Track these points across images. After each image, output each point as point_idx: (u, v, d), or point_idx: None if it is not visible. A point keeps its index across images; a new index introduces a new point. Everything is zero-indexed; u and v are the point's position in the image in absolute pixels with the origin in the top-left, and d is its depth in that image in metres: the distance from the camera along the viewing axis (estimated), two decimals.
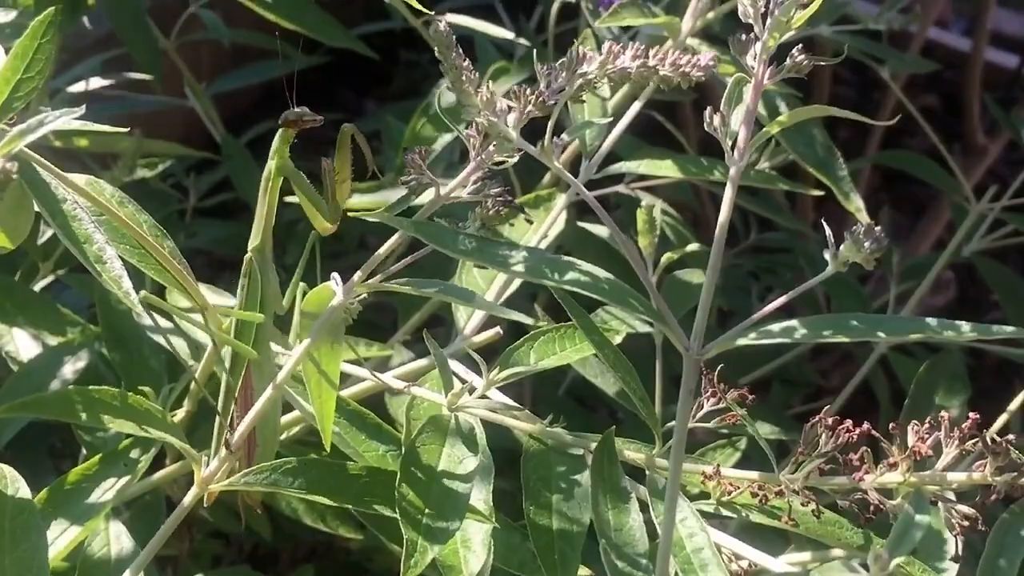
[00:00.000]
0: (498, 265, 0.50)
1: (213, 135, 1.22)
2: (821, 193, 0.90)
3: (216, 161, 1.22)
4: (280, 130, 0.62)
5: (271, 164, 0.62)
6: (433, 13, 0.71)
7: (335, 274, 0.59)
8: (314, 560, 1.12)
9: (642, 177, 0.97)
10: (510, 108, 0.53)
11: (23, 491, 0.62)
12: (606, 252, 0.89)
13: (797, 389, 1.37)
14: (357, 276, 0.58)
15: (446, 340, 1.12)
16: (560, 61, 0.56)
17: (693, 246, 0.88)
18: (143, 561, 0.66)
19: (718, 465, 0.59)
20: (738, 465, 0.83)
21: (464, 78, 0.51)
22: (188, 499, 0.64)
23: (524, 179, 0.98)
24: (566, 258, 0.51)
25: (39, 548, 0.60)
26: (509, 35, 0.96)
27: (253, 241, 0.64)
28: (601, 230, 0.88)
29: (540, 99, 0.54)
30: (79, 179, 0.62)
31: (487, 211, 0.59)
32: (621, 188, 0.95)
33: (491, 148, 0.56)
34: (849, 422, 0.54)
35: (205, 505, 0.66)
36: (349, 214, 0.76)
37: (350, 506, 0.61)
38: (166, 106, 1.19)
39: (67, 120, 0.46)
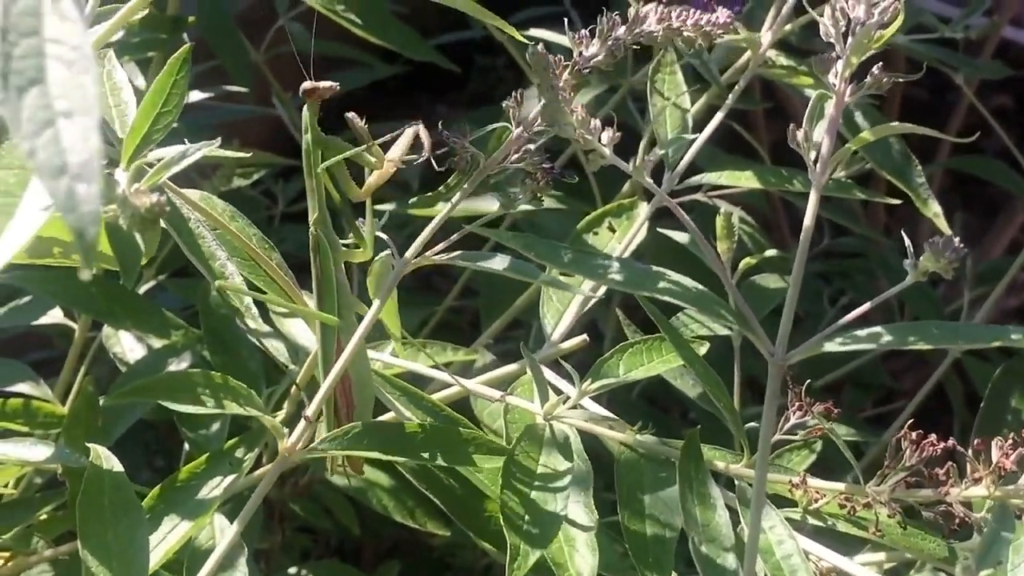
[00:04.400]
0: (597, 277, 0.53)
1: (296, 141, 1.27)
2: (898, 202, 0.92)
3: (300, 168, 1.26)
4: (306, 104, 0.64)
5: (306, 138, 0.65)
6: (520, 31, 0.74)
7: (390, 248, 0.63)
8: (397, 555, 1.16)
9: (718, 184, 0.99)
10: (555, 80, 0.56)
11: (117, 467, 0.65)
12: (684, 257, 0.91)
13: (870, 392, 1.39)
14: (411, 251, 0.63)
15: (526, 343, 1.15)
16: (590, 27, 0.60)
17: (770, 252, 0.90)
18: (228, 544, 0.69)
19: (804, 474, 0.61)
20: (813, 466, 0.85)
21: (560, 98, 0.54)
22: (272, 469, 0.67)
23: (603, 188, 1.01)
24: (657, 268, 0.54)
25: (139, 524, 0.63)
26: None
27: (312, 215, 0.66)
28: (680, 236, 0.90)
29: (576, 67, 0.58)
30: (193, 194, 0.66)
31: (537, 183, 0.62)
32: (699, 196, 0.97)
33: (531, 116, 0.59)
34: (933, 436, 0.56)
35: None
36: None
37: (409, 461, 0.64)
38: (252, 115, 1.24)
39: (207, 150, 0.50)
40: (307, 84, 0.63)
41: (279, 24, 1.19)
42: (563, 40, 1.00)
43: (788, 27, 0.91)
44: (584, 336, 0.75)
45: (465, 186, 0.62)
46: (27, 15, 0.32)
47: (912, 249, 0.52)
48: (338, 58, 1.28)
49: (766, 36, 0.89)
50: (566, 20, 1.18)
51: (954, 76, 1.17)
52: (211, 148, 0.51)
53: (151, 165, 0.49)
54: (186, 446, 0.88)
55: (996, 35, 1.51)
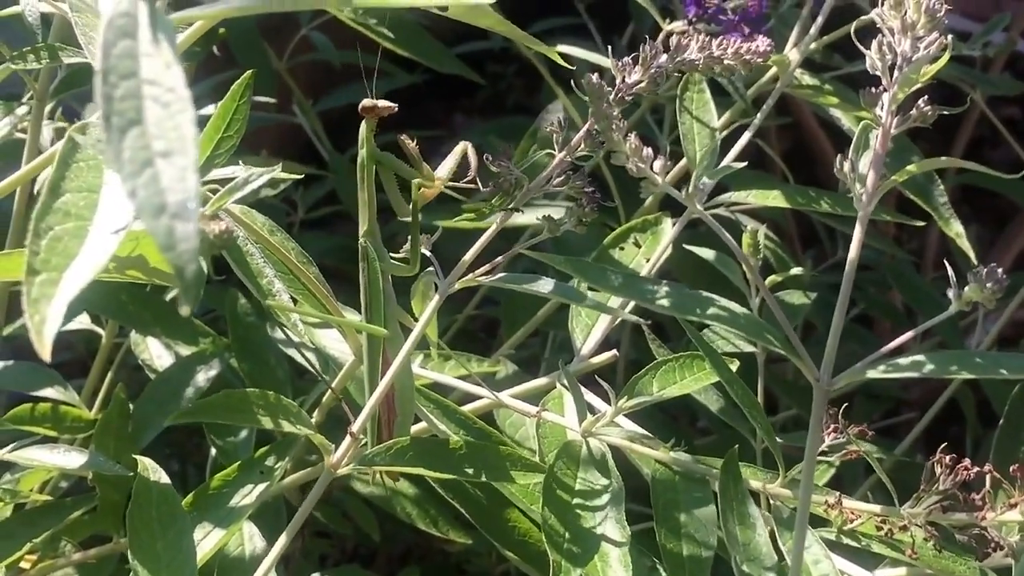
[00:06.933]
0: (646, 300, 0.54)
1: (314, 148, 1.28)
2: (922, 224, 0.93)
3: (319, 176, 1.27)
4: (363, 120, 0.66)
5: (361, 153, 0.66)
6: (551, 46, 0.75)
7: (431, 268, 0.65)
8: (411, 560, 1.17)
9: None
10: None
11: (164, 479, 0.66)
12: (709, 273, 0.92)
13: (880, 403, 1.40)
14: (454, 273, 0.64)
15: (542, 352, 1.16)
16: (633, 55, 0.61)
17: (797, 270, 0.91)
18: (275, 556, 0.70)
19: (840, 495, 0.62)
20: (832, 481, 0.86)
21: (615, 127, 0.55)
22: (318, 485, 0.67)
23: (625, 202, 1.02)
24: (706, 294, 0.55)
25: (185, 532, 0.64)
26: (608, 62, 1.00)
27: (363, 227, 0.68)
28: (706, 252, 0.91)
29: (619, 95, 0.59)
30: (235, 208, 0.67)
31: (582, 209, 0.63)
32: (721, 211, 0.98)
33: (574, 142, 0.61)
34: (967, 461, 0.57)
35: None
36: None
37: (454, 476, 0.65)
38: (271, 122, 1.24)
39: (269, 177, 0.51)
40: (367, 102, 0.65)
41: (302, 33, 1.20)
42: (586, 55, 1.02)
43: (813, 46, 0.92)
44: (614, 352, 0.76)
45: (510, 207, 0.63)
46: (125, 57, 0.33)
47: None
48: (356, 66, 1.28)
49: (793, 55, 0.90)
50: (594, 36, 1.19)
51: (970, 91, 1.18)
52: (274, 172, 0.52)
53: (213, 190, 0.50)
54: (212, 452, 0.88)
55: (1009, 47, 1.52)
